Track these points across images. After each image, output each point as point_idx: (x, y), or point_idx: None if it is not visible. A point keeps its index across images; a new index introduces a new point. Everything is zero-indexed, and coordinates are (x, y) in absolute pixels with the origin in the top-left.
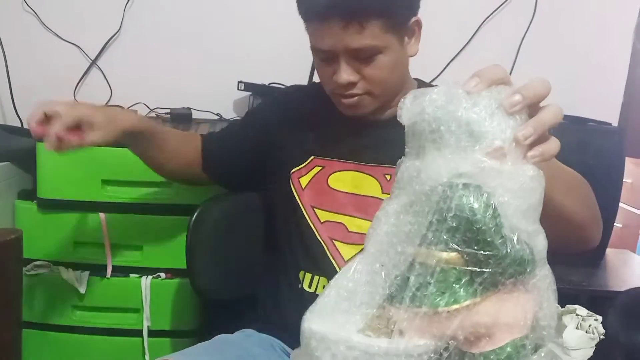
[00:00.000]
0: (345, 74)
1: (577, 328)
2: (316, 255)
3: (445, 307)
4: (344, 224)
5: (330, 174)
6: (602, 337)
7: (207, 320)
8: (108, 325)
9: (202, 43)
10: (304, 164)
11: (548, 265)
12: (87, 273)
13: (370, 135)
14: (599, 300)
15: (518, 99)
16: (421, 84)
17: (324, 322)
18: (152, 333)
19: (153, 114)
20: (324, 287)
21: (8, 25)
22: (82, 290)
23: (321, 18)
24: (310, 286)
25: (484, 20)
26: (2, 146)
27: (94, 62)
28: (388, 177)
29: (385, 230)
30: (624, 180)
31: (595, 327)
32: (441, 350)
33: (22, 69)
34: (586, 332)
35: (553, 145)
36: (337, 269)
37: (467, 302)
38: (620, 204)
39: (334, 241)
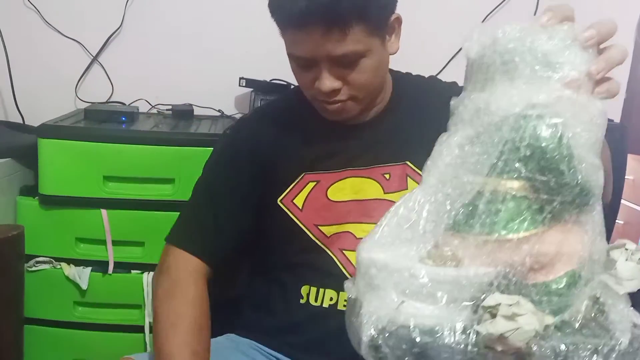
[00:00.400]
0: (328, 81)
1: (626, 260)
2: (325, 268)
3: (515, 234)
4: (351, 232)
5: (328, 187)
6: None
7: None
8: (110, 321)
9: (203, 39)
10: (295, 183)
11: (601, 207)
12: (88, 269)
13: (359, 139)
14: None
15: (593, 33)
16: (395, 74)
17: (384, 251)
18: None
19: (154, 110)
20: (330, 298)
21: (9, 22)
22: (84, 286)
23: (300, 25)
24: (316, 300)
25: (485, 18)
26: (3, 142)
27: (95, 59)
28: (387, 176)
29: (447, 162)
30: (626, 177)
31: None
32: (510, 276)
33: (23, 65)
34: (637, 264)
35: (616, 84)
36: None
37: (536, 230)
38: (622, 201)
39: (343, 251)
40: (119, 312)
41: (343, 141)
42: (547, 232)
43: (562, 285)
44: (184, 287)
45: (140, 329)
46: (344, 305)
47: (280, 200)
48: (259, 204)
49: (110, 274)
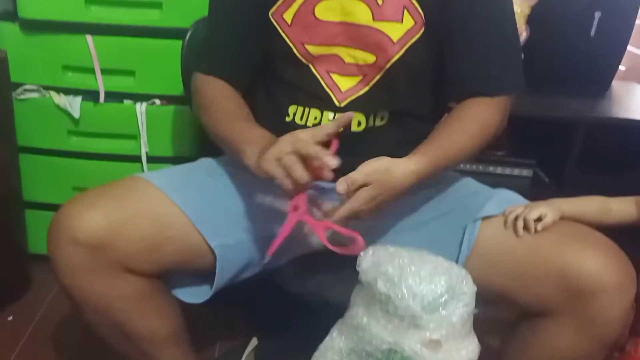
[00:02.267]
0: None
1: None
2: (310, 87)
3: None
4: (339, 56)
5: (316, 4)
6: None
7: (206, 146)
8: (106, 150)
9: None
10: None
11: None
12: (79, 98)
13: None
14: (599, 130)
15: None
16: None
17: None
18: (152, 159)
19: None
20: (314, 117)
21: None
22: (76, 114)
23: None
24: (301, 119)
25: None
26: None
27: None
28: (380, 1)
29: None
30: (636, 21)
31: None
32: None
33: None
34: None
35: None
36: (335, 100)
37: None
38: (628, 47)
39: (330, 74)
40: (115, 142)
41: None
42: None
43: None
44: (222, 100)
45: (137, 159)
46: None
47: (271, 14)
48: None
49: (102, 104)
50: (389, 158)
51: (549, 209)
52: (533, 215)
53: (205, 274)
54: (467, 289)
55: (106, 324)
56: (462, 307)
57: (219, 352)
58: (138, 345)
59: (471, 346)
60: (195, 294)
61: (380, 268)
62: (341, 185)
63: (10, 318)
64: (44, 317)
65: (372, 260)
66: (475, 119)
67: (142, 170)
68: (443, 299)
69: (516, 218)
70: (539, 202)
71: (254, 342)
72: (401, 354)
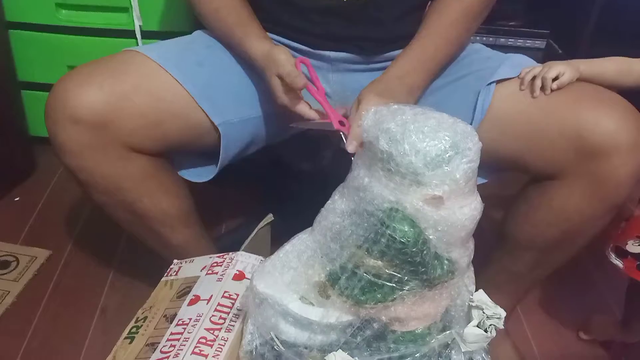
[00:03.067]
0: None
1: (478, 326)
2: None
3: (367, 305)
4: None
5: None
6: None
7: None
8: (98, 25)
9: None
10: None
11: (470, 271)
12: None
13: None
14: None
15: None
16: None
17: (273, 283)
18: (146, 34)
19: None
20: None
21: None
22: None
23: None
24: None
25: None
26: None
27: None
28: None
29: (331, 224)
30: None
31: (495, 326)
32: (371, 322)
33: None
34: (485, 330)
35: None
36: None
37: (388, 303)
38: None
39: None
40: (106, 15)
41: None
42: (403, 300)
43: (416, 334)
44: None
45: (131, 34)
46: None
47: None
48: None
49: None
50: (379, 95)
51: (567, 68)
52: (551, 73)
53: (209, 154)
54: (472, 144)
55: (115, 204)
56: (466, 163)
57: (225, 229)
58: (148, 224)
59: (474, 204)
60: (201, 174)
61: (382, 125)
62: (352, 145)
63: (17, 199)
64: (50, 197)
65: (374, 119)
66: (459, 9)
67: (138, 46)
68: (447, 155)
69: (533, 78)
70: (557, 62)
71: (269, 217)
72: (402, 212)
